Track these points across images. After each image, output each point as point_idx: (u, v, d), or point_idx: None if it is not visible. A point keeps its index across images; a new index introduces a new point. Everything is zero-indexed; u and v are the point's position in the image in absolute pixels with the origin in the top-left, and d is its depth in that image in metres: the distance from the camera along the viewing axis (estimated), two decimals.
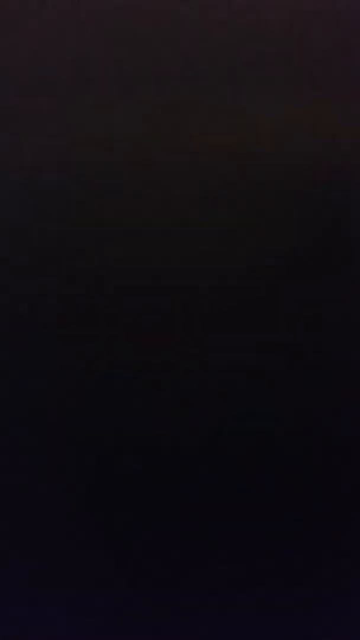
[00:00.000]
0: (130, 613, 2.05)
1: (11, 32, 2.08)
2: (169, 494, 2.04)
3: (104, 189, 2.07)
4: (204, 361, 2.05)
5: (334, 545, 2.05)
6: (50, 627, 2.05)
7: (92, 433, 2.04)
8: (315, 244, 2.06)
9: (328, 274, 2.06)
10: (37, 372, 2.05)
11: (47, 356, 2.05)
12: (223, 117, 2.07)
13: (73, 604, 2.05)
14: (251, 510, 2.04)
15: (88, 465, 2.04)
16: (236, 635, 2.05)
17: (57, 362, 2.05)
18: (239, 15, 2.08)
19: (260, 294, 2.05)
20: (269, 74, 2.07)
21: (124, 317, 2.05)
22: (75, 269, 2.06)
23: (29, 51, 2.08)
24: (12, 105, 2.08)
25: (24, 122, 2.08)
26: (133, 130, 2.07)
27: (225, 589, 2.05)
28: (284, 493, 2.04)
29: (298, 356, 2.05)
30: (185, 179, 2.07)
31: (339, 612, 2.05)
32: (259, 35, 2.08)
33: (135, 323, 2.05)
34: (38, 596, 2.05)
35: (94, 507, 2.04)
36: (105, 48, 2.08)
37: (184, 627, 2.05)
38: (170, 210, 2.06)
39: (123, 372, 2.05)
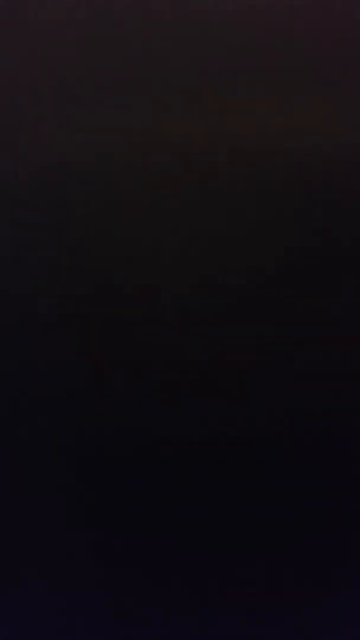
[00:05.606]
0: (129, 613, 2.06)
1: (12, 33, 2.09)
2: (169, 493, 2.05)
3: (103, 189, 2.07)
4: (204, 361, 2.05)
5: (335, 545, 2.05)
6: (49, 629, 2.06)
7: (93, 433, 2.05)
8: (316, 243, 2.06)
9: (328, 274, 2.06)
10: (37, 371, 2.06)
11: (47, 355, 2.06)
12: (223, 117, 2.08)
13: (72, 604, 2.06)
14: (253, 509, 2.05)
15: (87, 466, 2.05)
16: (236, 635, 2.05)
17: (57, 361, 2.06)
18: (240, 15, 2.09)
19: (260, 293, 2.06)
20: (269, 74, 2.08)
21: (124, 316, 2.05)
22: (75, 269, 2.06)
23: (29, 52, 2.09)
24: (13, 105, 2.09)
25: (24, 123, 2.09)
26: (134, 130, 2.08)
27: (226, 593, 2.05)
28: (284, 492, 2.05)
29: (298, 357, 2.05)
30: (186, 179, 2.07)
31: (338, 613, 2.05)
32: (259, 35, 2.08)
33: (135, 322, 2.06)
34: (37, 596, 2.06)
35: (90, 511, 2.05)
36: (105, 49, 2.09)
37: (184, 628, 2.06)
38: (171, 210, 2.07)
39: (123, 372, 2.05)
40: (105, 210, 2.07)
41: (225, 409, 2.04)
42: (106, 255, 2.07)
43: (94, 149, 2.08)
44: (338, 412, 2.05)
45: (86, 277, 2.06)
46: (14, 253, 2.07)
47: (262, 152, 2.07)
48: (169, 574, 2.05)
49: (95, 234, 2.07)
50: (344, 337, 2.05)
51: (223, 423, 2.04)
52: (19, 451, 2.05)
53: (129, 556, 2.05)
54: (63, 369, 2.05)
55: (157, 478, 2.04)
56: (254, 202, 2.06)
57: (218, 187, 2.07)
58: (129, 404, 2.05)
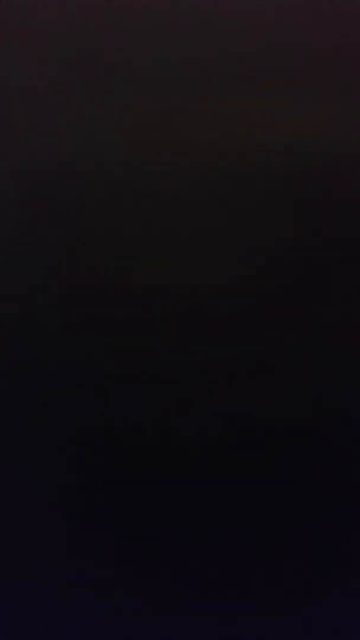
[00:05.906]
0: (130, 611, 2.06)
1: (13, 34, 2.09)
2: (170, 493, 2.05)
3: (104, 189, 2.07)
4: (204, 362, 2.05)
5: (336, 546, 2.05)
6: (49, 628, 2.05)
7: (94, 433, 2.05)
8: (316, 243, 2.06)
9: (329, 274, 2.06)
10: (40, 370, 2.06)
11: (49, 355, 2.06)
12: (223, 118, 2.08)
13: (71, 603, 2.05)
14: (254, 512, 2.05)
15: (88, 467, 2.05)
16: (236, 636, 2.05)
17: (59, 361, 2.06)
18: (240, 15, 2.09)
19: (260, 295, 2.06)
20: (270, 74, 2.08)
21: (125, 316, 2.05)
22: (76, 270, 2.06)
23: (30, 52, 2.09)
24: (13, 106, 2.09)
25: (25, 124, 2.08)
26: (133, 131, 2.08)
27: (226, 592, 2.05)
28: (285, 494, 2.05)
29: (298, 358, 2.05)
30: (186, 180, 2.07)
31: (339, 615, 2.05)
32: (259, 35, 2.08)
33: (136, 322, 2.05)
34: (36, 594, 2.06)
35: (92, 511, 2.05)
36: (106, 48, 2.09)
37: (183, 629, 2.05)
38: (171, 210, 2.07)
39: (123, 373, 2.05)
40: (104, 211, 2.07)
41: (227, 411, 2.04)
42: (107, 255, 2.07)
43: (94, 148, 2.08)
44: (339, 412, 2.05)
45: (86, 277, 2.06)
46: (17, 253, 2.07)
47: (263, 152, 2.07)
48: (169, 575, 2.05)
49: (95, 233, 2.07)
50: (346, 336, 2.05)
51: (226, 425, 2.04)
52: (19, 451, 2.05)
53: (127, 558, 2.05)
54: (64, 368, 2.05)
55: (157, 478, 2.04)
56: (255, 203, 2.07)
57: (218, 188, 2.07)
58: (129, 404, 2.05)
